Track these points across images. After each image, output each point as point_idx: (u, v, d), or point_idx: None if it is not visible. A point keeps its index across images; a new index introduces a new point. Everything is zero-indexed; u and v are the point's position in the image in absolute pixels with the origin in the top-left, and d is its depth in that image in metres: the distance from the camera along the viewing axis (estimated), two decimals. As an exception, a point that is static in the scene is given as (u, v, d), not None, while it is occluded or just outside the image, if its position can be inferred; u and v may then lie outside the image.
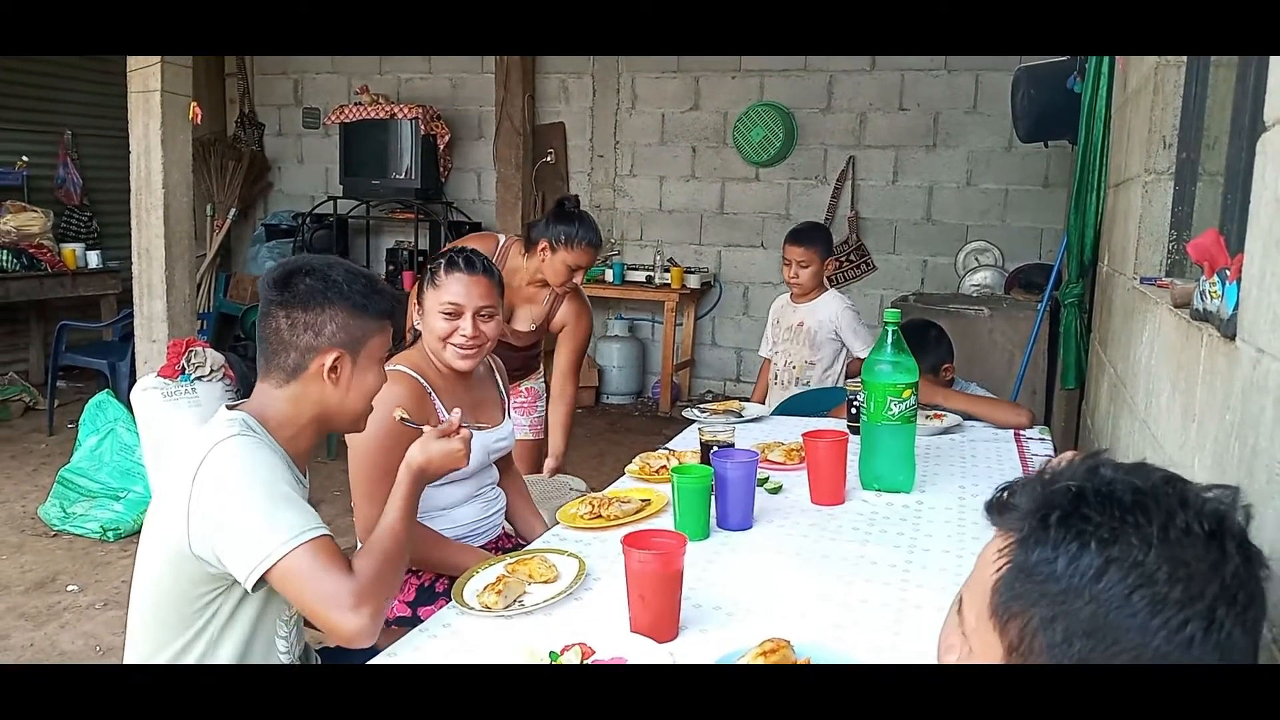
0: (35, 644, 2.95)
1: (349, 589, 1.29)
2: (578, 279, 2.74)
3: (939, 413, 2.61)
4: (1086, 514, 0.68)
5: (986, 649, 0.73)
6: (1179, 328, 1.65)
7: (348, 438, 1.83)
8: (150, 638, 1.40)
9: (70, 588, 3.35)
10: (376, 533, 1.44)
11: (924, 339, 2.76)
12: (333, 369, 1.42)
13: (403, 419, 1.67)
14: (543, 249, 2.70)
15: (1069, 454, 1.10)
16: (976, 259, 5.73)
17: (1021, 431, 2.58)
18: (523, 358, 2.93)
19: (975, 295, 5.09)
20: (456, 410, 1.64)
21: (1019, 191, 5.78)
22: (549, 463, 2.89)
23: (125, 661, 1.47)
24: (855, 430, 2.23)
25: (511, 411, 2.84)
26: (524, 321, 2.83)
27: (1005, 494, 0.75)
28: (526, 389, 3.01)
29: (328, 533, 1.34)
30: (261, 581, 1.30)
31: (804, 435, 2.04)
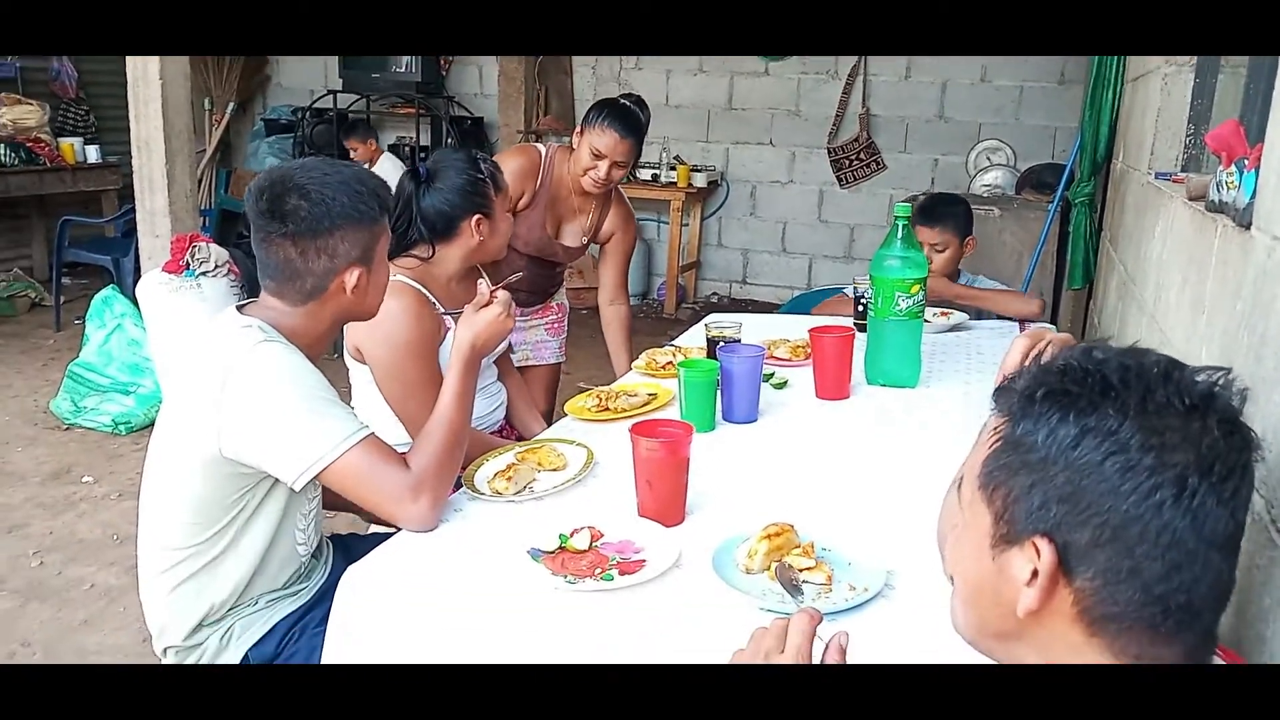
0: (54, 532, 3.02)
1: (406, 482, 1.36)
2: (614, 175, 2.49)
3: (945, 310, 2.61)
4: (1069, 389, 0.70)
5: (978, 520, 0.76)
6: (1193, 220, 1.63)
7: (368, 353, 1.86)
8: (174, 533, 1.42)
9: (85, 479, 3.41)
10: (431, 423, 1.48)
11: (953, 206, 2.78)
12: (355, 284, 1.45)
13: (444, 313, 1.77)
14: (577, 134, 2.51)
15: (1038, 334, 1.12)
16: (988, 158, 5.64)
17: (1028, 325, 2.58)
18: (554, 276, 2.77)
19: (986, 195, 5.03)
20: (483, 280, 1.67)
21: (1034, 89, 5.65)
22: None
23: (141, 553, 1.48)
24: (862, 328, 2.23)
25: (543, 330, 2.81)
26: (572, 236, 2.66)
27: (1009, 379, 0.77)
28: (556, 305, 2.84)
29: (373, 431, 1.39)
30: (309, 481, 1.34)
31: (810, 331, 2.04)
